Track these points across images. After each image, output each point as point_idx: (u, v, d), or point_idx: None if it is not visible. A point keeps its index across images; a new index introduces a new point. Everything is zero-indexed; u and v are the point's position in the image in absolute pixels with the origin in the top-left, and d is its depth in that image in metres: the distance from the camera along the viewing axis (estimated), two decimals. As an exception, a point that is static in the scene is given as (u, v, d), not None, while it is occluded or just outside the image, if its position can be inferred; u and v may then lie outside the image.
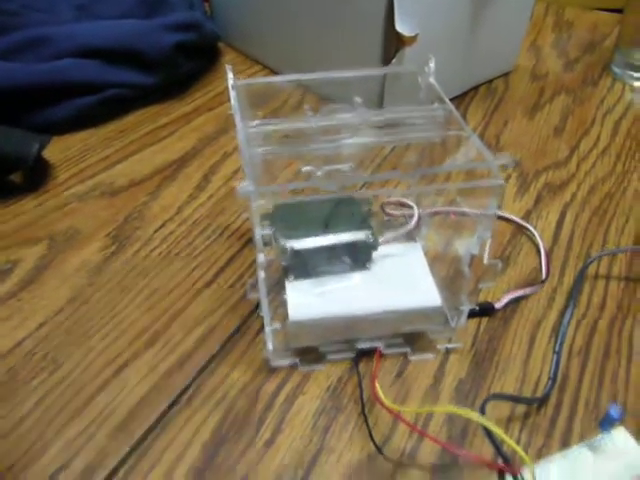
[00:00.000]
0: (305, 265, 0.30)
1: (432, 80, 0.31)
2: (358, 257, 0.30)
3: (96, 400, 0.29)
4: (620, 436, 0.25)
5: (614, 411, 0.24)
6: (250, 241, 0.38)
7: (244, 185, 0.22)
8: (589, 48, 0.65)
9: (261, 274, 0.26)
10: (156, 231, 0.39)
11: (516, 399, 0.28)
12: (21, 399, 0.29)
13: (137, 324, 0.33)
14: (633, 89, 0.57)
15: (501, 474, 0.23)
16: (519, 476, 0.22)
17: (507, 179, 0.45)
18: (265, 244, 0.28)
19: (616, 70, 0.59)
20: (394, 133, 0.30)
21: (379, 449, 0.26)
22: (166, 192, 0.43)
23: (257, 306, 0.34)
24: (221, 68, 0.59)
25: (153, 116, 0.51)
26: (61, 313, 0.33)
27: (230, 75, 0.30)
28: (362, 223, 0.31)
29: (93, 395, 0.29)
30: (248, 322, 0.33)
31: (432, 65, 0.31)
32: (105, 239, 0.39)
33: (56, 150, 0.46)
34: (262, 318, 0.30)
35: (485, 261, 0.26)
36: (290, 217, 0.31)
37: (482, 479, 0.26)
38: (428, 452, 0.27)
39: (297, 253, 0.29)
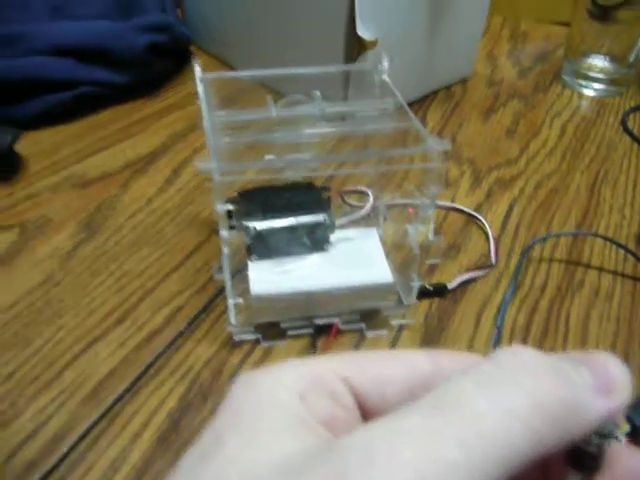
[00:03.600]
0: (267, 245, 0.32)
1: (385, 77, 0.34)
2: (317, 239, 0.33)
3: (66, 373, 0.30)
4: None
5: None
6: (218, 230, 0.40)
7: (205, 162, 0.24)
8: (541, 58, 0.69)
9: (225, 250, 0.28)
10: (126, 220, 0.41)
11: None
12: (-7, 372, 0.30)
13: (107, 304, 0.34)
14: (581, 96, 0.61)
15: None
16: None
17: (461, 175, 0.48)
18: (231, 227, 0.30)
19: (565, 78, 0.63)
20: (350, 124, 0.33)
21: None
22: (137, 184, 0.45)
23: (223, 288, 0.36)
24: (192, 70, 0.61)
25: (125, 113, 0.53)
26: (32, 294, 0.35)
27: (198, 69, 0.32)
28: (321, 208, 0.33)
29: (63, 368, 0.30)
30: (214, 303, 0.35)
31: (385, 63, 0.34)
32: (76, 227, 0.40)
33: (28, 144, 0.48)
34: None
35: (430, 237, 0.29)
36: (253, 202, 0.33)
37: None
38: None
39: (259, 233, 0.31)
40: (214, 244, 0.39)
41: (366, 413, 0.15)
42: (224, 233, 0.27)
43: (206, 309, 0.34)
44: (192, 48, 0.65)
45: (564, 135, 0.54)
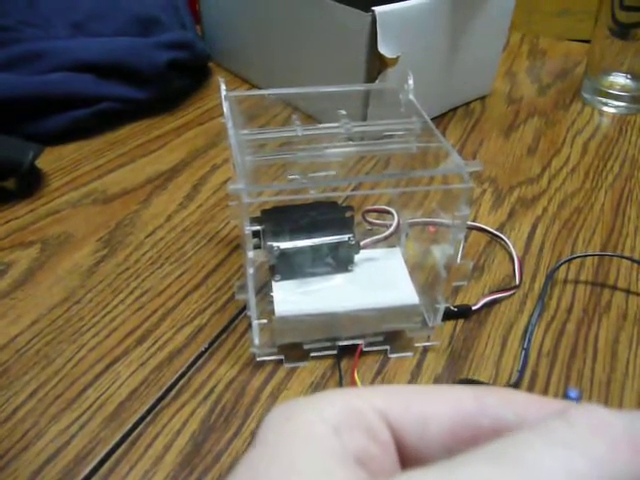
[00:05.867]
0: (291, 265, 0.31)
1: (411, 96, 0.34)
2: (341, 259, 0.32)
3: (88, 392, 0.30)
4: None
5: (572, 393, 0.25)
6: (238, 247, 0.40)
7: (235, 183, 0.24)
8: (561, 75, 0.68)
9: (250, 270, 0.27)
10: (147, 237, 0.41)
11: (482, 384, 0.30)
12: (15, 392, 0.30)
13: (128, 323, 0.34)
14: (601, 113, 0.60)
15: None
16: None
17: (483, 194, 0.47)
18: (255, 247, 0.29)
19: (585, 96, 0.62)
20: (374, 144, 0.33)
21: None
22: (157, 201, 0.45)
23: (244, 307, 0.35)
24: (211, 86, 0.62)
25: (145, 129, 0.53)
26: (53, 312, 0.35)
27: (223, 87, 0.32)
28: (345, 227, 0.33)
29: (85, 388, 0.30)
30: (236, 322, 0.35)
31: (411, 82, 0.34)
32: (97, 244, 0.40)
33: (49, 160, 0.48)
34: (249, 318, 0.31)
35: (458, 260, 0.28)
36: (277, 221, 0.33)
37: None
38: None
39: (283, 253, 0.31)
40: (234, 262, 0.39)
41: (403, 450, 0.15)
42: (250, 254, 0.27)
43: (227, 329, 0.34)
44: (210, 65, 0.65)
45: (586, 153, 0.53)
